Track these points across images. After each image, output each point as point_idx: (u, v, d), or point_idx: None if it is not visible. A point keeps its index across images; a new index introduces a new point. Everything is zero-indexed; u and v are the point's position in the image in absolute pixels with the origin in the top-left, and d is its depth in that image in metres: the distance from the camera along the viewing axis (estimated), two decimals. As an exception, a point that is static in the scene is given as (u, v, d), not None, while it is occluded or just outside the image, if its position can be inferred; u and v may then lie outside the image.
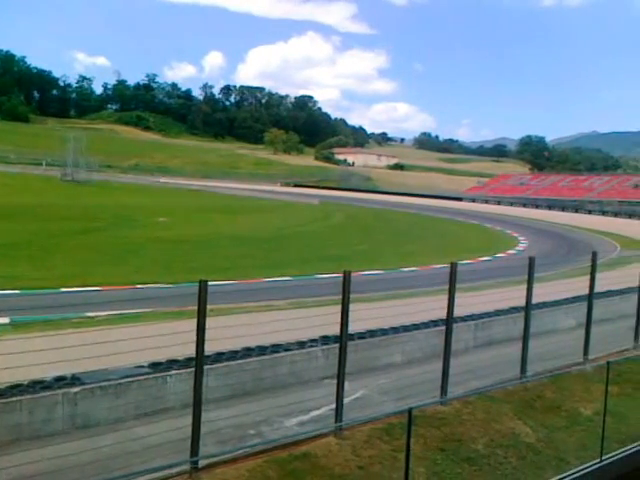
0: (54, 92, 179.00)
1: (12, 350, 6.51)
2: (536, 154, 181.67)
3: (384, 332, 11.29)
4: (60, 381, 7.79)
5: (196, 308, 6.46)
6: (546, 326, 12.38)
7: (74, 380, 7.85)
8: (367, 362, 10.28)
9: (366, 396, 9.22)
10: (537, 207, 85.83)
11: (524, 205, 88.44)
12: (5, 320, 12.05)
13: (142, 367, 8.45)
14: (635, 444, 5.22)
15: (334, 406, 7.78)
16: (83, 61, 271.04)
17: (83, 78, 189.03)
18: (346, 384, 7.91)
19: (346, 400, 7.97)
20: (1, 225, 34.58)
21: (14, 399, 7.19)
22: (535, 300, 10.64)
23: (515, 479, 6.96)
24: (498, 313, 12.78)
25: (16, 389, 7.44)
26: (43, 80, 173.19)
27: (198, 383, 6.53)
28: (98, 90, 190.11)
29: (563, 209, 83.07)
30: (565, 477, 4.62)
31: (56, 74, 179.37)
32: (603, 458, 4.92)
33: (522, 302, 10.31)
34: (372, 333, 11.07)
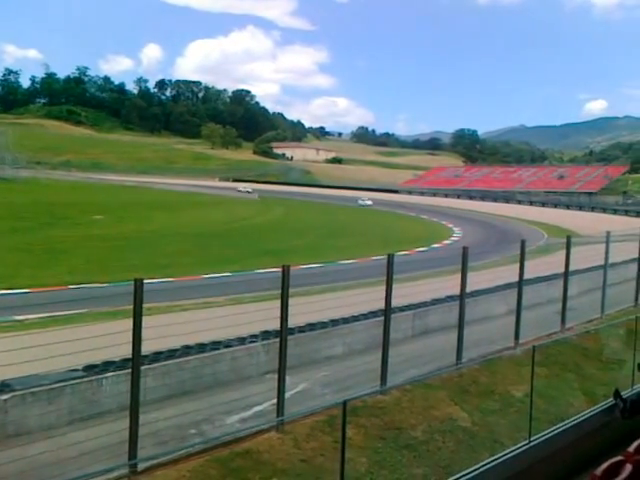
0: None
1: None
2: (469, 147, 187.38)
3: (324, 325, 11.38)
4: (-12, 388, 7.46)
5: (132, 307, 6.32)
6: (480, 313, 12.79)
7: (3, 387, 7.51)
8: (308, 355, 10.34)
9: (308, 389, 9.27)
10: (471, 198, 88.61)
11: (458, 196, 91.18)
12: None
13: (76, 370, 8.15)
14: (560, 424, 5.49)
15: (276, 401, 7.77)
16: (13, 54, 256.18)
17: (9, 71, 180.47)
18: (287, 378, 7.92)
19: (288, 394, 8.00)
20: None
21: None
22: (469, 288, 10.99)
23: (452, 463, 7.17)
24: (435, 302, 13.13)
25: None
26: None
27: (135, 384, 6.40)
28: (26, 84, 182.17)
29: (495, 200, 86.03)
30: (496, 459, 4.81)
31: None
32: (532, 439, 5.15)
33: (457, 291, 10.61)
34: (312, 326, 11.13)
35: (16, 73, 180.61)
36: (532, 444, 5.09)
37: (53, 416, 7.54)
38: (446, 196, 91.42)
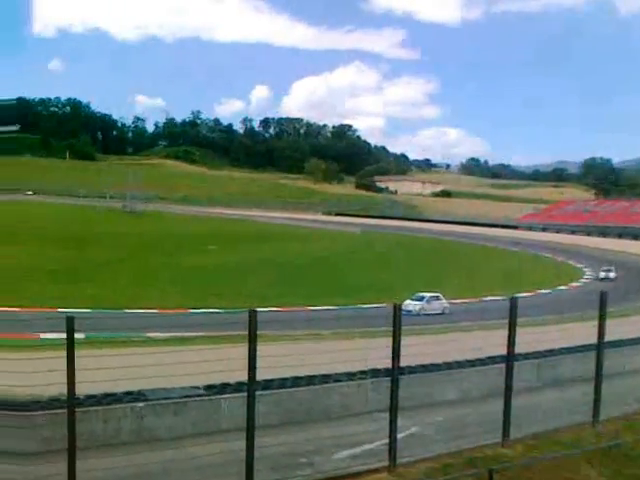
0: (114, 132, 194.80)
1: (87, 365, 6.31)
2: (601, 178, 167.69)
3: (437, 367, 10.82)
4: (128, 395, 8.32)
5: (245, 333, 6.36)
6: (621, 367, 11.33)
7: (140, 395, 8.35)
8: (419, 398, 9.82)
9: (419, 433, 8.76)
10: (604, 236, 79.28)
11: (588, 234, 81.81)
12: (81, 335, 13.15)
13: (197, 388, 8.75)
14: None
15: (386, 441, 7.38)
16: (144, 103, 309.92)
17: (138, 119, 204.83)
18: (398, 420, 7.43)
19: (399, 436, 7.48)
20: (82, 250, 39.37)
21: (92, 409, 7.77)
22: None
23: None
24: (564, 351, 12.02)
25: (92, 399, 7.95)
26: (105, 122, 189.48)
27: (251, 408, 6.38)
28: (151, 129, 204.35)
29: (635, 237, 74.61)
30: None
31: (115, 116, 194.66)
32: None
33: (591, 340, 9.47)
34: (424, 368, 10.62)
35: (142, 120, 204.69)
36: None
37: (179, 428, 8.18)
38: (573, 232, 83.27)
